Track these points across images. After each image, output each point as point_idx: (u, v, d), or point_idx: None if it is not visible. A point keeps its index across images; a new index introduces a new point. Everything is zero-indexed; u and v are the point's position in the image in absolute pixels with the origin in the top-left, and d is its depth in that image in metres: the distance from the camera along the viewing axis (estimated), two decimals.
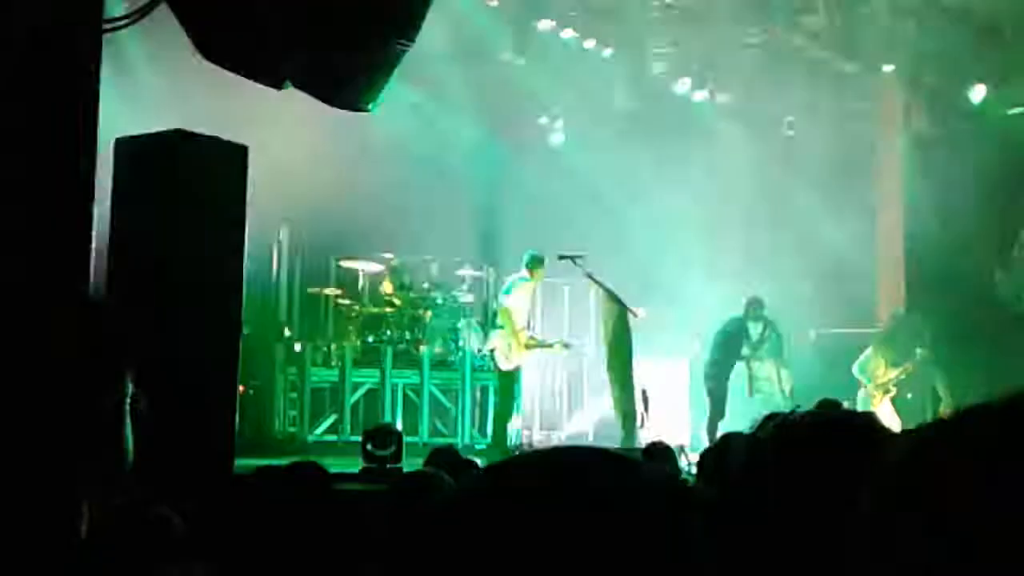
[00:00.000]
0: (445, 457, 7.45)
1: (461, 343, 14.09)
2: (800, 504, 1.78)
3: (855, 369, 14.47)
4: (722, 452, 5.60)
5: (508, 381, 12.65)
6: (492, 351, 12.58)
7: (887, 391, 14.44)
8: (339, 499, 3.13)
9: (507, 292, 12.68)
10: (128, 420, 1.66)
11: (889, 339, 14.62)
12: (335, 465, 9.28)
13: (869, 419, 1.91)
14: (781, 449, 1.85)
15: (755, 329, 13.88)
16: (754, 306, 13.85)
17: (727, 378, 13.53)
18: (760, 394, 13.87)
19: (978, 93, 15.36)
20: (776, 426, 1.91)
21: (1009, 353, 14.07)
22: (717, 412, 13.09)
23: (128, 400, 1.67)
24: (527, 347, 12.73)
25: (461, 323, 14.26)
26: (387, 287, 14.35)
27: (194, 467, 6.51)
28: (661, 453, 6.99)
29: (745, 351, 13.84)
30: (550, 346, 13.61)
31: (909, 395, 15.17)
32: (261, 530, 2.93)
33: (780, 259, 15.28)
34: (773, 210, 15.53)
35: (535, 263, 12.60)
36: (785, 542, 1.79)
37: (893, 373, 14.41)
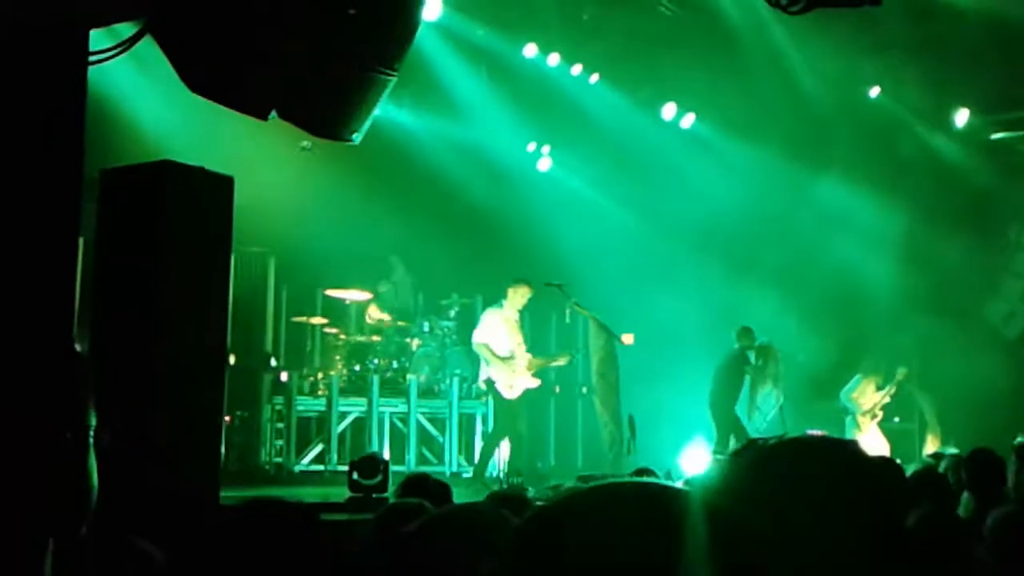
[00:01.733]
0: (416, 485, 7.52)
1: (448, 371, 14.09)
2: (769, 527, 1.79)
3: (842, 396, 14.54)
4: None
5: (508, 411, 12.61)
6: (492, 382, 12.52)
7: (874, 416, 14.49)
8: (325, 529, 3.12)
9: (476, 326, 12.78)
10: (92, 453, 1.66)
11: (875, 365, 14.69)
12: (321, 495, 9.27)
13: (845, 443, 1.93)
14: (754, 472, 1.87)
15: (752, 356, 13.97)
16: (746, 335, 13.92)
17: (732, 408, 13.57)
18: (760, 415, 13.92)
19: (961, 117, 15.47)
20: (750, 450, 1.93)
21: (996, 377, 14.15)
22: (722, 442, 13.10)
23: (91, 433, 1.67)
24: (530, 369, 12.70)
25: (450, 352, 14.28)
26: (373, 315, 14.35)
27: (180, 498, 6.48)
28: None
29: (747, 377, 13.92)
30: (556, 359, 13.61)
31: (896, 419, 15.22)
32: (244, 563, 2.91)
33: (767, 285, 15.32)
34: (759, 235, 15.57)
35: (509, 286, 12.64)
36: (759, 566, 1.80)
37: (878, 397, 14.48)
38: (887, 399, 14.50)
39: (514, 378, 12.49)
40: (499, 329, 12.60)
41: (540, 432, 15.14)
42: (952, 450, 9.61)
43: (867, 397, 14.46)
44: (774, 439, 1.94)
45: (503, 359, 12.46)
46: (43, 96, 5.29)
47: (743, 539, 1.42)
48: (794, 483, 1.84)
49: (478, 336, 12.61)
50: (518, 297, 12.63)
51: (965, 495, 6.55)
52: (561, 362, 13.70)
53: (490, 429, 13.37)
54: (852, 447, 1.94)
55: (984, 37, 12.74)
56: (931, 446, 14.65)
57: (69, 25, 5.46)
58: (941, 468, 7.96)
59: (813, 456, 1.89)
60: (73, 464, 1.66)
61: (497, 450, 12.75)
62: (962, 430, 13.27)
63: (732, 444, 13.07)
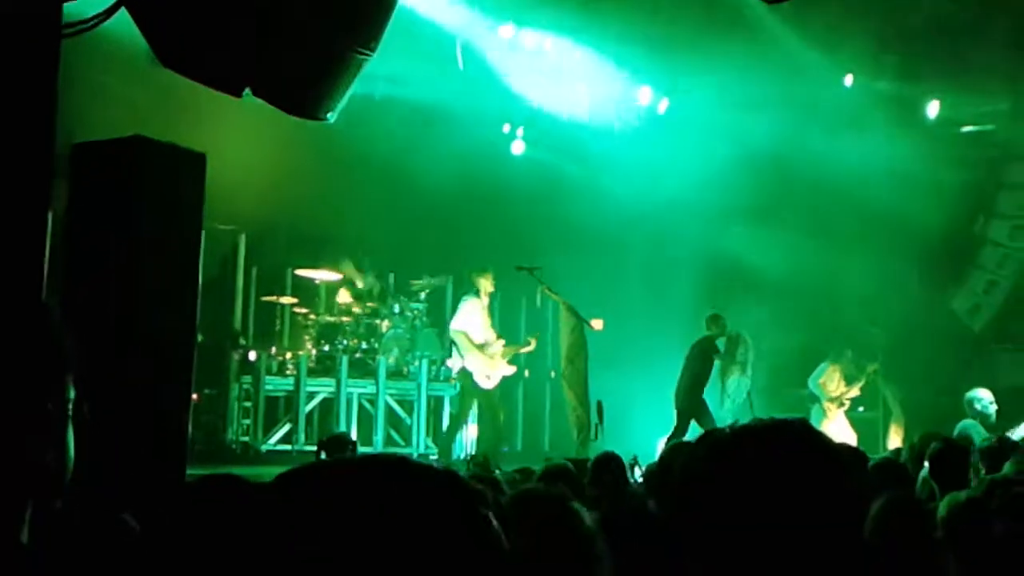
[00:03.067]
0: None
1: (418, 353, 14.10)
2: (733, 509, 1.82)
3: (810, 383, 14.63)
4: (667, 465, 5.65)
5: (486, 399, 12.73)
6: (469, 373, 12.59)
7: (841, 404, 14.59)
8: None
9: (453, 316, 12.86)
10: (70, 424, 1.66)
11: (843, 353, 14.77)
12: None
13: (802, 426, 1.95)
14: (713, 458, 1.89)
15: (722, 343, 14.02)
16: (715, 322, 13.96)
17: (700, 396, 13.59)
18: (730, 402, 14.00)
19: (933, 108, 15.57)
20: (709, 437, 1.95)
21: (958, 367, 14.27)
22: (681, 429, 13.12)
23: (70, 404, 1.67)
24: (504, 356, 12.80)
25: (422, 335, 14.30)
26: (343, 296, 14.32)
27: (146, 475, 6.46)
28: (607, 463, 6.99)
29: (717, 365, 13.97)
30: (524, 345, 13.67)
31: (861, 408, 15.34)
32: (208, 540, 2.92)
33: (739, 271, 15.40)
34: (729, 221, 15.63)
35: (476, 275, 12.73)
36: (722, 547, 1.83)
37: (845, 389, 14.57)
38: (856, 393, 14.61)
39: (492, 367, 12.58)
40: (476, 318, 12.67)
41: (508, 416, 15.18)
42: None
43: (834, 383, 14.55)
44: (735, 425, 1.97)
45: (480, 347, 12.52)
46: (14, 69, 5.24)
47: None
48: (753, 468, 1.86)
49: (457, 324, 12.65)
50: (487, 284, 12.73)
51: (924, 483, 6.63)
52: (529, 348, 13.75)
53: (454, 411, 13.43)
54: (810, 431, 1.96)
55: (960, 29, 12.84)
56: (895, 436, 14.78)
57: None
58: (902, 458, 8.06)
59: (773, 441, 1.91)
60: (51, 434, 1.66)
61: (462, 432, 12.81)
62: (926, 420, 13.39)
63: (695, 432, 13.15)
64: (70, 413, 1.86)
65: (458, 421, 13.09)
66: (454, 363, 12.95)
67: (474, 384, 12.58)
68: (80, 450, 1.86)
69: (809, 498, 1.85)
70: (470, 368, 12.58)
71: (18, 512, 1.74)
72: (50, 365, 1.84)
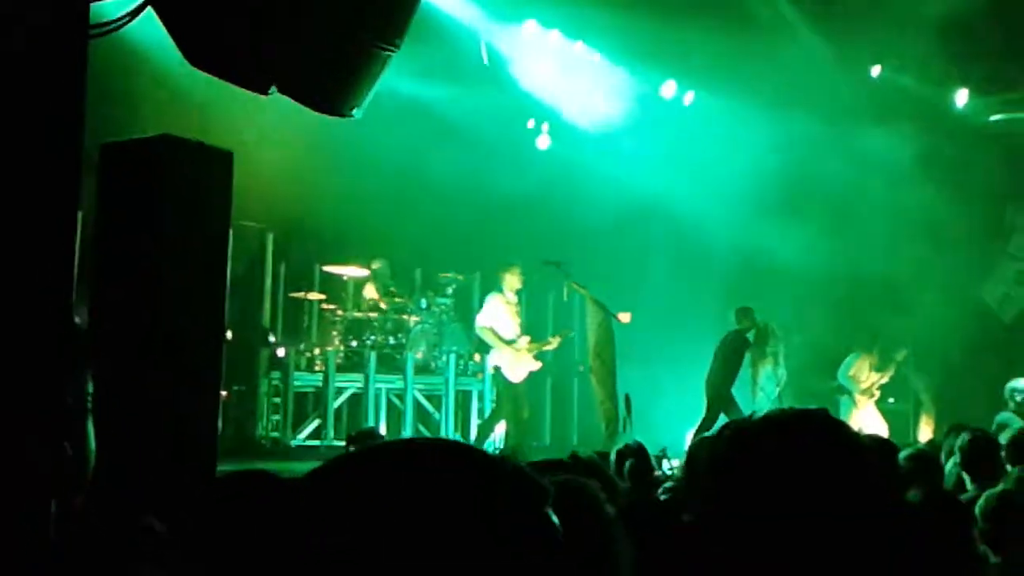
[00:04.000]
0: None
1: (445, 348, 14.12)
2: (754, 499, 1.82)
3: (840, 376, 14.57)
4: (693, 457, 5.67)
5: (512, 395, 12.74)
6: (497, 368, 12.66)
7: (871, 395, 14.53)
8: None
9: (478, 308, 12.90)
10: (90, 419, 1.66)
11: (871, 344, 14.71)
12: None
13: (824, 417, 1.95)
14: (735, 448, 1.89)
15: (752, 336, 13.99)
16: (744, 316, 13.92)
17: (729, 389, 13.57)
18: (763, 395, 13.97)
19: (961, 98, 15.45)
20: (732, 427, 1.95)
21: (988, 357, 14.18)
22: (710, 421, 13.10)
23: (89, 398, 1.67)
24: (530, 352, 12.83)
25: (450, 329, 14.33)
26: (371, 292, 14.36)
27: (176, 473, 6.50)
28: (633, 453, 6.98)
29: (748, 358, 13.94)
30: (550, 342, 13.67)
31: (891, 400, 15.27)
32: (239, 536, 2.94)
33: (766, 264, 15.33)
34: (758, 213, 15.57)
35: (502, 271, 12.78)
36: (744, 537, 1.83)
37: (876, 377, 14.51)
38: (885, 380, 14.54)
39: (518, 362, 12.61)
40: (502, 313, 12.71)
41: (535, 410, 15.17)
42: None
43: (864, 375, 14.49)
44: (756, 415, 1.97)
45: (508, 342, 12.56)
46: (43, 70, 5.27)
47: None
48: (774, 458, 1.86)
49: (482, 320, 12.70)
50: (513, 280, 12.77)
51: (959, 476, 6.59)
52: (552, 345, 13.75)
53: (489, 410, 13.45)
54: (834, 423, 1.96)
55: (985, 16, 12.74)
56: (925, 427, 14.70)
57: None
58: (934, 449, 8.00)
59: (794, 432, 1.91)
60: (72, 428, 1.68)
61: (493, 432, 12.83)
62: (957, 412, 13.31)
63: (705, 425, 13.14)
64: (89, 407, 1.88)
65: (493, 420, 13.11)
66: (490, 358, 12.99)
67: (503, 378, 12.62)
68: (101, 443, 1.88)
69: (830, 489, 1.84)
70: (498, 363, 12.63)
71: (43, 507, 1.77)
72: (69, 360, 1.86)
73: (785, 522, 1.81)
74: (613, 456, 7.13)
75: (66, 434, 1.68)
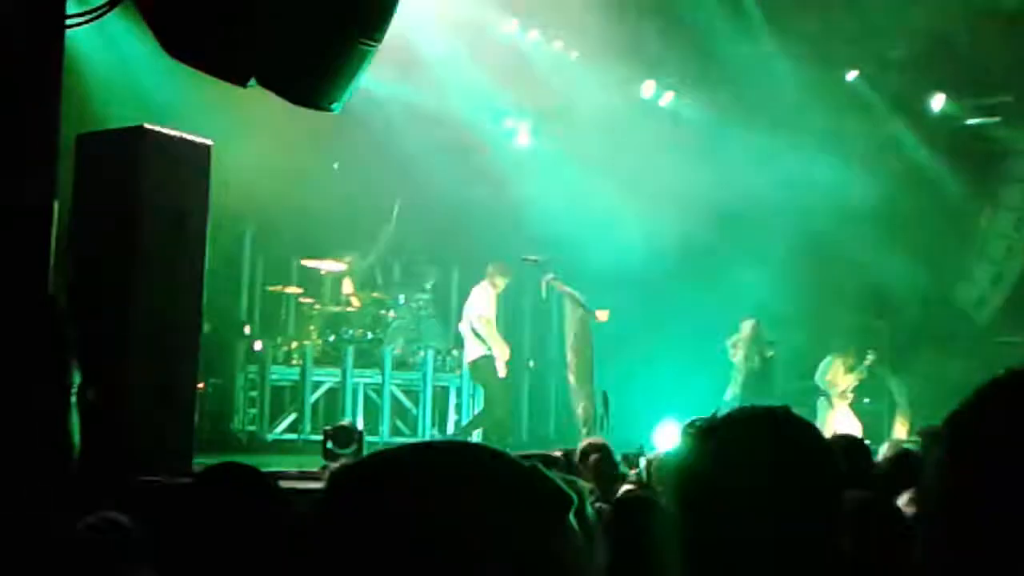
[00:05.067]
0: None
1: (423, 343, 14.12)
2: (707, 495, 1.85)
3: (817, 379, 14.68)
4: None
5: (503, 390, 12.87)
6: (491, 359, 12.72)
7: (845, 397, 14.63)
8: (298, 497, 3.14)
9: (466, 306, 12.93)
10: (75, 411, 1.66)
11: (845, 347, 14.80)
12: (295, 463, 9.29)
13: (781, 412, 1.98)
14: (693, 445, 1.94)
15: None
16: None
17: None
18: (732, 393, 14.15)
19: (937, 102, 15.51)
20: (692, 425, 1.98)
21: (963, 359, 14.24)
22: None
23: (74, 391, 1.67)
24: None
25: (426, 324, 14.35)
26: (349, 286, 14.34)
27: (153, 465, 6.48)
28: (597, 450, 6.92)
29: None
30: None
31: (867, 400, 15.34)
32: (207, 531, 2.93)
33: (744, 264, 15.36)
34: (740, 215, 15.60)
35: (494, 268, 12.87)
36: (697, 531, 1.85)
37: (850, 379, 14.60)
38: (856, 382, 14.63)
39: (505, 357, 12.78)
40: (492, 306, 12.85)
41: (513, 407, 15.18)
42: None
43: (840, 378, 14.58)
44: (717, 416, 1.99)
45: (499, 339, 12.78)
46: (19, 59, 5.25)
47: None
48: (724, 454, 1.89)
49: (482, 311, 12.72)
50: (503, 281, 12.91)
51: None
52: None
53: (468, 405, 13.49)
54: (790, 418, 1.99)
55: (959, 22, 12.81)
56: (900, 428, 14.78)
57: None
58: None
59: (748, 428, 1.93)
60: (55, 421, 1.67)
61: (479, 429, 12.88)
62: (932, 413, 13.37)
63: None
64: (74, 399, 1.86)
65: (485, 418, 13.15)
66: (473, 351, 12.94)
67: (493, 372, 12.68)
68: (85, 436, 1.87)
69: (778, 487, 1.87)
70: (485, 355, 12.67)
71: (39, 495, 1.75)
72: (53, 351, 1.84)
73: (735, 517, 1.84)
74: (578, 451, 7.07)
75: (47, 425, 1.68)
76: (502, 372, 12.72)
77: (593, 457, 6.71)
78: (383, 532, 1.16)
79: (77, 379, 1.87)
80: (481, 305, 12.82)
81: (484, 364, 12.79)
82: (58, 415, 1.81)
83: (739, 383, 14.08)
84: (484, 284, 12.99)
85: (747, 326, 14.29)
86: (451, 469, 1.21)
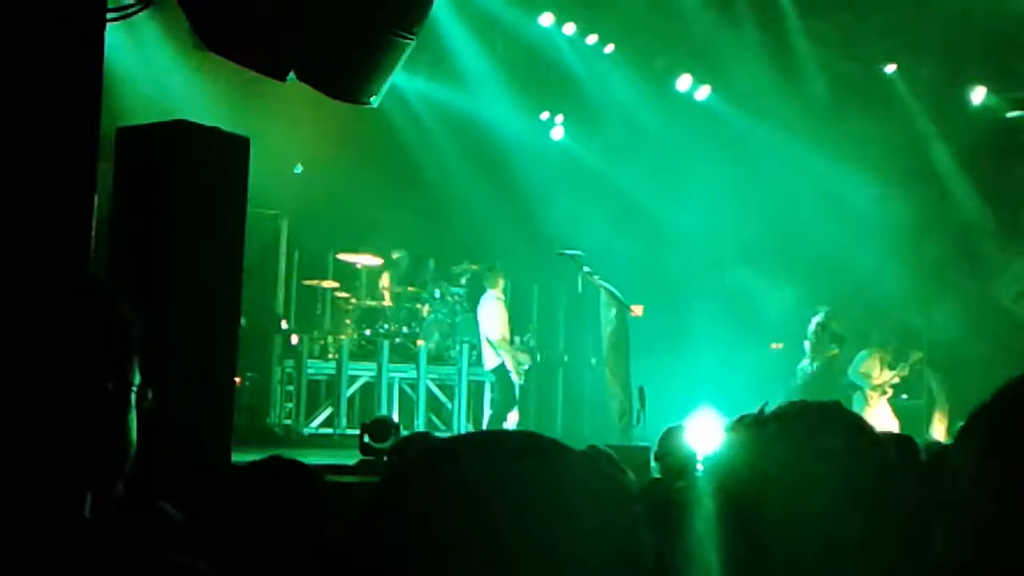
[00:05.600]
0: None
1: (458, 338, 14.14)
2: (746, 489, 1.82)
3: (850, 371, 14.53)
4: None
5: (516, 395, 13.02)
6: (507, 371, 12.87)
7: (883, 392, 14.48)
8: (331, 490, 3.14)
9: (486, 320, 13.05)
10: (132, 410, 1.65)
11: (885, 341, 14.66)
12: (331, 457, 9.31)
13: (834, 407, 1.94)
14: (740, 439, 1.90)
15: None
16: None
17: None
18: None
19: (978, 95, 15.35)
20: (743, 422, 1.95)
21: (1005, 355, 14.09)
22: None
23: (134, 389, 1.66)
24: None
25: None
26: (385, 281, 14.36)
27: (191, 459, 6.50)
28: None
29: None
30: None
31: (904, 396, 15.21)
32: (255, 525, 2.93)
33: (778, 261, 15.27)
34: (770, 207, 15.50)
35: (491, 273, 13.11)
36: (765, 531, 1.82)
37: (889, 375, 14.46)
38: (897, 379, 14.50)
39: (525, 364, 12.93)
40: (503, 319, 12.97)
41: (548, 402, 15.16)
42: None
43: (876, 371, 14.44)
44: (768, 410, 1.96)
45: (511, 345, 12.89)
46: (60, 53, 5.27)
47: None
48: (783, 451, 1.86)
49: (498, 331, 12.86)
50: (502, 281, 13.07)
51: None
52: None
53: (496, 409, 13.58)
54: (842, 413, 1.95)
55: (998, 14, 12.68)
56: (939, 424, 14.64)
57: None
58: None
59: (803, 423, 1.90)
60: (113, 419, 1.66)
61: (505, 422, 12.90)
62: (970, 409, 13.24)
63: None
64: (133, 400, 1.85)
65: (501, 416, 13.22)
66: (491, 359, 13.13)
67: (508, 379, 12.90)
68: (143, 437, 1.86)
69: (829, 483, 1.84)
70: (509, 367, 12.88)
71: (79, 494, 1.74)
72: (110, 346, 1.83)
73: (781, 515, 1.82)
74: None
75: (106, 422, 1.67)
76: (516, 379, 12.94)
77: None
78: (465, 507, 1.15)
79: (138, 379, 1.85)
80: (494, 323, 12.95)
81: (500, 372, 13.04)
82: (118, 414, 1.80)
83: (798, 380, 14.08)
84: (490, 295, 13.07)
85: (815, 319, 14.30)
86: (527, 447, 1.21)
